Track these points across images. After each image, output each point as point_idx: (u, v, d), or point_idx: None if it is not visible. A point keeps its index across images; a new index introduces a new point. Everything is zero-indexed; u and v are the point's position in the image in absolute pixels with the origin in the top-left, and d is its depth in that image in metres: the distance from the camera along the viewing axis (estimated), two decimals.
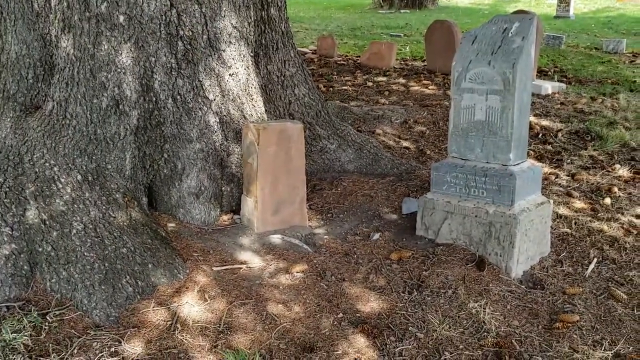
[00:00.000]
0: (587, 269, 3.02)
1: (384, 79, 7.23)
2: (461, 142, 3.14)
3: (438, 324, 2.51)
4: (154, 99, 3.11)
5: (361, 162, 4.21)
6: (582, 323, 2.57)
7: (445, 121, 5.46)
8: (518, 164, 3.04)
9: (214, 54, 3.23)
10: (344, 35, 11.90)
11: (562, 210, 3.64)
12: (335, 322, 2.53)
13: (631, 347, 2.44)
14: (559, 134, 5.12)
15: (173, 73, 3.12)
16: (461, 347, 2.40)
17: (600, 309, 2.69)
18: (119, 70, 3.00)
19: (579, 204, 3.75)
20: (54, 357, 2.21)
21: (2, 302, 2.51)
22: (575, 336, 2.48)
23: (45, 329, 2.36)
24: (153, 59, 3.07)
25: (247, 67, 3.41)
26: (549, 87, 6.44)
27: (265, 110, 3.76)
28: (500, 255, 2.97)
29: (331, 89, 6.77)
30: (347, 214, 3.57)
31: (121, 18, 2.98)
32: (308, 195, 3.80)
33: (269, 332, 2.44)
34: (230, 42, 3.29)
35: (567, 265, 3.07)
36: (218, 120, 3.25)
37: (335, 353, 2.34)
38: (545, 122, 5.44)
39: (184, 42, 3.13)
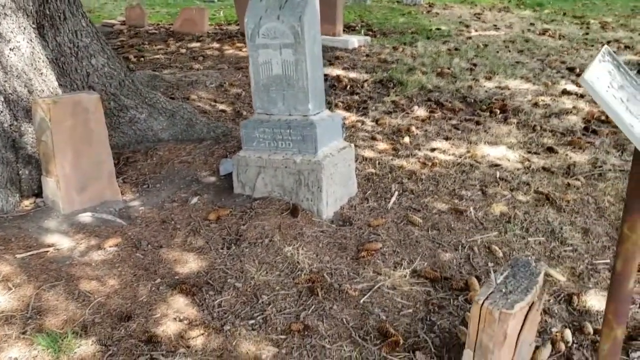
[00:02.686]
0: (389, 202, 3.31)
1: (198, 44, 7.12)
2: (264, 98, 3.23)
3: (255, 272, 2.61)
4: None
5: (175, 129, 4.15)
6: (384, 249, 2.83)
7: None
8: (317, 113, 3.21)
9: None
10: (155, 5, 11.44)
11: (367, 153, 3.93)
12: (153, 288, 2.52)
13: (426, 263, 2.74)
14: (365, 84, 5.46)
15: None
16: (277, 288, 2.52)
17: (400, 235, 2.98)
18: None
19: (382, 145, 4.07)
20: None
21: None
22: (378, 261, 2.73)
23: None
24: None
25: (31, 40, 3.17)
26: (355, 41, 6.80)
27: (60, 84, 3.55)
28: (311, 200, 3.14)
29: (142, 58, 6.53)
30: (164, 183, 3.53)
31: None
32: (122, 169, 3.69)
33: (83, 309, 2.37)
34: (5, 14, 3.02)
35: (372, 201, 3.33)
36: (3, 99, 3.00)
37: (153, 317, 2.34)
38: (353, 75, 5.75)
39: None
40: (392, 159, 3.84)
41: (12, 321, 2.28)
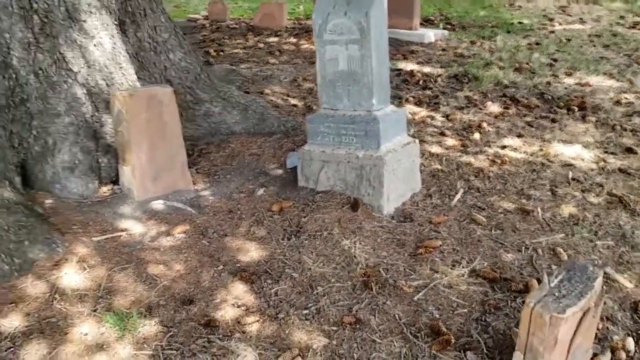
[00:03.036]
0: (453, 199, 3.27)
1: (276, 39, 7.26)
2: (330, 93, 3.27)
3: (312, 263, 2.67)
4: (14, 75, 3.04)
5: (248, 123, 4.28)
6: (444, 247, 2.81)
7: None
8: (381, 108, 3.21)
9: (75, 25, 3.18)
10: None
11: (435, 149, 3.89)
12: (215, 274, 2.63)
13: (486, 263, 2.69)
14: (439, 79, 5.38)
15: (32, 48, 3.05)
16: (333, 280, 2.57)
17: (462, 233, 2.94)
18: None
19: (450, 141, 4.01)
20: None
21: None
22: (436, 259, 2.71)
23: None
24: (8, 35, 2.99)
25: (113, 36, 3.37)
26: (431, 35, 6.71)
27: (139, 78, 3.75)
28: (372, 195, 3.16)
29: (222, 52, 6.74)
30: (234, 174, 3.66)
31: None
32: (195, 160, 3.85)
33: (149, 291, 2.52)
34: (90, 12, 3.23)
35: (436, 198, 3.30)
36: (85, 92, 3.22)
37: (213, 302, 2.45)
38: (427, 69, 5.69)
39: (40, 15, 3.06)
40: (460, 156, 3.78)
41: (84, 299, 2.46)
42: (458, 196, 3.30)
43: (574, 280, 1.91)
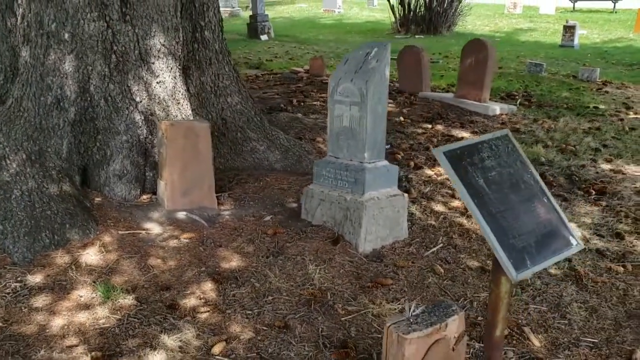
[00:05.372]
0: (428, 251, 3.65)
1: None
2: (335, 144, 3.83)
3: (274, 278, 3.20)
4: (89, 99, 3.93)
5: (287, 162, 4.93)
6: (392, 286, 3.21)
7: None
8: (373, 162, 3.70)
9: (144, 65, 4.04)
10: (341, 56, 12.65)
11: (438, 208, 4.27)
12: (196, 273, 3.25)
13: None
14: None
15: (106, 79, 3.94)
16: (284, 294, 3.08)
17: (416, 279, 3.32)
18: (62, 75, 3.84)
19: (456, 203, 4.36)
20: None
21: None
22: (380, 294, 3.13)
23: None
24: (90, 67, 3.90)
25: (174, 77, 4.20)
26: (497, 108, 7.03)
27: (197, 114, 4.55)
28: (352, 234, 3.63)
29: (303, 103, 7.52)
30: (256, 202, 4.29)
31: (66, 35, 3.82)
32: (232, 186, 4.54)
33: (141, 276, 3.18)
34: (158, 56, 4.09)
35: (414, 247, 3.70)
36: (143, 118, 4.05)
37: (184, 292, 3.06)
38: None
39: (117, 55, 3.95)
40: (457, 217, 4.13)
41: (91, 273, 3.17)
42: (434, 249, 3.67)
43: (432, 314, 2.29)
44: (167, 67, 4.14)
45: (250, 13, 17.34)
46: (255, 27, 16.42)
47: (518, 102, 7.84)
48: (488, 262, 3.51)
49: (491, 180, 1.90)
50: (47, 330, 2.72)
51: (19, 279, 3.08)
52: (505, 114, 7.04)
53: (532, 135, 6.11)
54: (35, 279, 3.09)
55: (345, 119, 3.74)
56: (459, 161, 1.87)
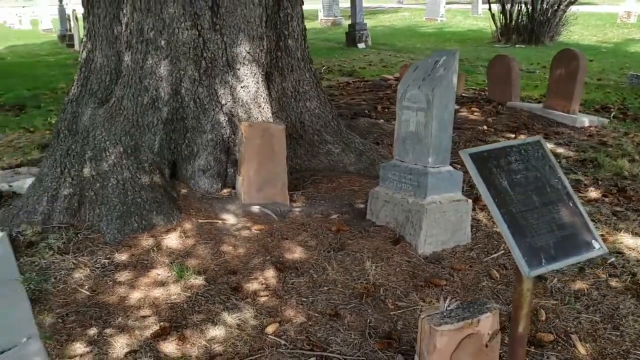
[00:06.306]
0: (488, 257, 3.71)
1: None
2: (401, 148, 3.99)
3: (332, 270, 3.41)
4: (180, 100, 4.35)
5: (360, 165, 5.13)
6: (446, 287, 3.32)
7: (465, 141, 6.18)
8: (437, 167, 3.82)
9: (230, 71, 4.41)
10: None
11: None
12: (261, 261, 3.53)
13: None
14: (564, 161, 5.61)
15: (196, 83, 4.34)
16: (339, 286, 3.28)
17: (471, 282, 3.40)
18: (157, 78, 4.28)
19: None
20: (71, 254, 3.48)
21: (57, 223, 3.85)
22: (432, 293, 3.25)
23: (73, 239, 3.64)
24: (182, 72, 4.31)
25: (257, 83, 4.53)
26: (585, 120, 6.83)
27: (278, 117, 4.86)
28: (413, 235, 3.77)
29: (387, 110, 7.69)
30: (327, 201, 4.53)
31: (162, 42, 4.26)
32: (306, 186, 4.82)
33: (213, 261, 3.51)
34: (244, 63, 4.44)
35: (475, 253, 3.77)
36: (227, 119, 4.41)
37: (248, 277, 3.34)
38: (559, 150, 5.92)
39: (206, 61, 4.34)
40: None
41: (170, 255, 3.54)
42: (494, 255, 3.72)
43: (466, 310, 2.40)
44: (251, 73, 4.48)
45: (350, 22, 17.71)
46: (353, 35, 16.76)
47: (612, 115, 7.54)
48: None
49: (516, 182, 2.00)
50: (126, 302, 3.10)
51: (108, 256, 3.51)
52: (595, 127, 6.81)
53: (619, 149, 5.90)
54: (122, 257, 3.51)
55: (411, 124, 3.88)
56: (485, 163, 1.99)
